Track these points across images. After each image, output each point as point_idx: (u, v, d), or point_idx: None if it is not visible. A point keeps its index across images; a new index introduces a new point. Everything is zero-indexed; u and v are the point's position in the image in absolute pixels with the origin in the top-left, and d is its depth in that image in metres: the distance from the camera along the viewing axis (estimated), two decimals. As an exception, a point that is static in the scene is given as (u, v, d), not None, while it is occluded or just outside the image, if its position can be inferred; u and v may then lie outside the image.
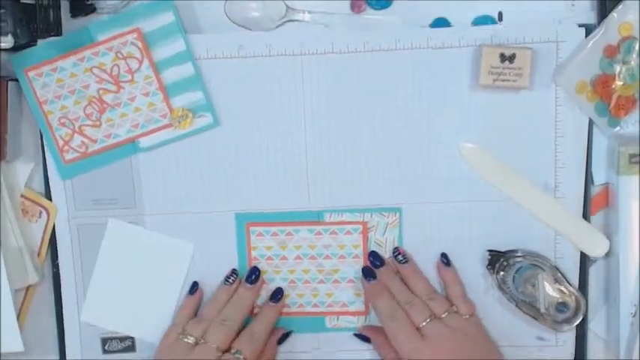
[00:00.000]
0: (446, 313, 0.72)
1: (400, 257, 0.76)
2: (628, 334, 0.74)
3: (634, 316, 0.73)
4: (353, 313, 0.77)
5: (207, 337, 0.73)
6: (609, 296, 0.76)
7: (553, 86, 0.73)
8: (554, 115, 0.74)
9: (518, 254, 0.74)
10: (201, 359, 0.72)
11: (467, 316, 0.73)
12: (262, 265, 0.77)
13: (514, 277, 0.73)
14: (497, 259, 0.74)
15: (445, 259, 0.76)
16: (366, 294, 0.77)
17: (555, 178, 0.74)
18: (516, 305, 0.74)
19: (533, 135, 0.74)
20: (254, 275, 0.77)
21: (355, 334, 0.78)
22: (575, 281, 0.75)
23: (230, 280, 0.77)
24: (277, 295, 0.77)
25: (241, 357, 0.72)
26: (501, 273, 0.74)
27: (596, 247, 0.74)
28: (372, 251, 0.76)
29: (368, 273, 0.76)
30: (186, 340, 0.73)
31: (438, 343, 0.70)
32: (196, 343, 0.73)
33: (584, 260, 0.75)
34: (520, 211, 0.75)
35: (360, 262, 0.77)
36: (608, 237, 0.75)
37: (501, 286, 0.74)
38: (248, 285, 0.77)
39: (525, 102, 0.73)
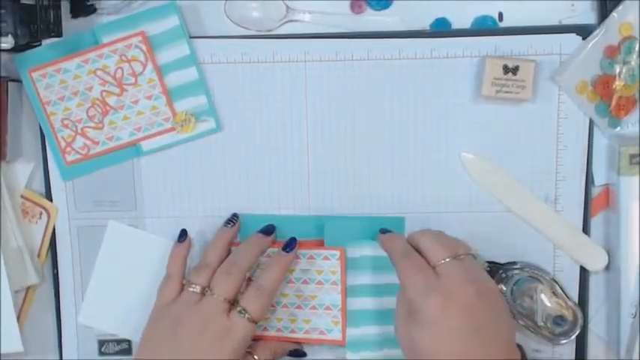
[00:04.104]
0: (466, 255, 0.64)
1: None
2: (628, 334, 0.74)
3: (634, 316, 0.73)
4: (330, 341, 0.76)
5: (214, 288, 0.69)
6: (610, 296, 0.76)
7: (556, 99, 0.74)
8: (557, 127, 0.74)
9: (517, 266, 0.74)
10: (208, 312, 0.68)
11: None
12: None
13: (512, 289, 0.74)
14: (495, 271, 0.74)
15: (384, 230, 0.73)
16: (381, 242, 0.71)
17: (556, 190, 0.75)
18: (514, 317, 0.74)
19: (535, 147, 0.74)
20: (269, 228, 0.75)
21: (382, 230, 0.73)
22: (575, 293, 0.76)
23: (231, 224, 0.75)
24: (291, 244, 0.74)
25: (246, 316, 0.69)
26: (499, 285, 0.74)
27: (595, 262, 0.75)
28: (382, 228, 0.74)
29: (384, 230, 0.73)
30: (192, 289, 0.70)
31: (455, 284, 0.61)
32: (203, 293, 0.70)
33: (584, 271, 0.76)
34: (520, 222, 0.75)
35: (338, 290, 0.75)
36: (608, 238, 0.75)
37: None
38: (260, 234, 0.74)
39: (528, 114, 0.74)
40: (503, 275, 0.74)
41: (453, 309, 0.60)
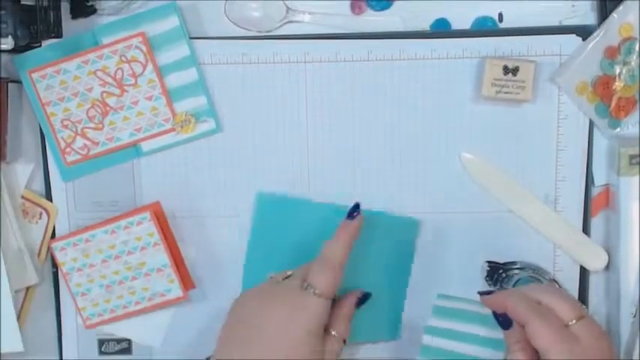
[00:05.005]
0: (584, 316, 0.62)
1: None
2: (628, 334, 0.74)
3: (634, 316, 0.73)
4: (173, 300, 0.77)
5: (306, 278, 0.66)
6: (609, 296, 0.76)
7: (555, 99, 0.74)
8: (556, 128, 0.74)
9: (517, 266, 0.74)
10: (283, 289, 0.66)
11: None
12: (75, 278, 0.77)
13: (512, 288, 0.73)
14: (495, 271, 0.74)
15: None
16: (495, 302, 0.67)
17: (556, 190, 0.75)
18: None
19: (535, 147, 0.74)
20: (356, 210, 0.70)
21: (495, 314, 0.66)
22: (575, 293, 0.75)
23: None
24: (355, 209, 0.70)
25: (313, 291, 0.65)
26: (500, 285, 0.74)
27: (595, 262, 0.75)
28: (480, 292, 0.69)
29: (483, 292, 0.69)
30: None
31: (595, 348, 0.60)
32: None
33: (584, 271, 0.76)
34: (520, 222, 0.75)
35: (162, 249, 0.75)
36: (608, 238, 0.75)
37: None
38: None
39: (527, 115, 0.74)
40: (504, 275, 0.74)
41: None
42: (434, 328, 0.73)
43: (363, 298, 0.73)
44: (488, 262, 0.75)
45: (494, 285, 0.74)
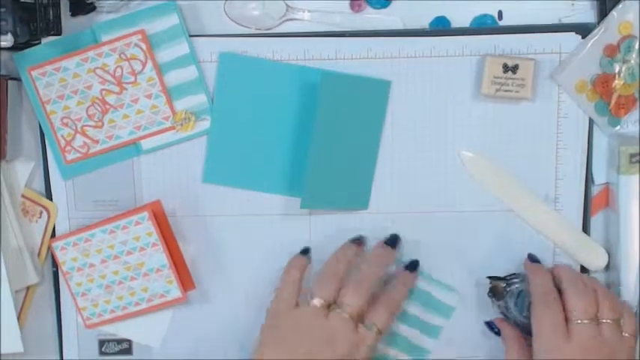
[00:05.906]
0: (609, 321, 0.64)
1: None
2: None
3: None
4: (172, 302, 0.76)
5: (344, 305, 0.66)
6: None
7: (555, 98, 0.74)
8: (556, 126, 0.74)
9: (518, 279, 0.72)
10: (337, 329, 0.65)
11: (627, 335, 0.65)
12: (76, 278, 0.77)
13: (516, 302, 0.71)
14: (497, 287, 0.73)
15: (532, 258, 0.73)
16: (527, 270, 0.72)
17: (555, 189, 0.75)
18: (521, 330, 0.72)
19: (535, 146, 0.74)
20: (396, 240, 0.74)
21: (486, 322, 0.75)
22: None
23: (358, 241, 0.73)
24: (414, 265, 0.74)
25: (374, 329, 0.67)
26: (504, 299, 0.73)
27: (595, 261, 0.75)
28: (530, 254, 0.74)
29: (533, 257, 0.72)
30: (316, 302, 0.66)
31: (582, 353, 0.62)
32: (327, 307, 0.66)
33: (585, 271, 0.76)
34: (520, 222, 0.75)
35: (161, 249, 0.75)
36: (608, 237, 0.75)
37: (504, 312, 0.73)
38: (388, 247, 0.73)
39: (527, 113, 0.74)
40: (507, 289, 0.72)
41: None
42: None
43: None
44: (490, 277, 0.74)
45: (498, 300, 0.73)
